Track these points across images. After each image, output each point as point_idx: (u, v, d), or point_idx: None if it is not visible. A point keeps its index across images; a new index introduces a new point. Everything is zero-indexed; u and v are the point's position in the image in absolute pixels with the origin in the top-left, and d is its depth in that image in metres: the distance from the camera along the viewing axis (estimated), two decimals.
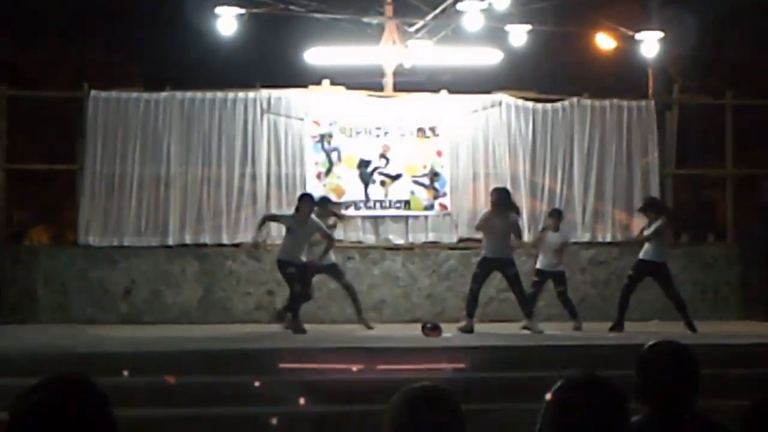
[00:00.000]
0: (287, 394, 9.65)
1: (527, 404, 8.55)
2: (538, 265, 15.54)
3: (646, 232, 14.95)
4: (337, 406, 9.60)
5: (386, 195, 17.45)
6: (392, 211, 17.46)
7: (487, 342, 12.87)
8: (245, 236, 16.85)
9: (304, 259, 14.71)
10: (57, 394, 2.59)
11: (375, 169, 17.48)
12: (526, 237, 17.13)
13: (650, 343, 3.97)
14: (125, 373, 10.00)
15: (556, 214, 15.70)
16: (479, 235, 17.13)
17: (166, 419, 9.26)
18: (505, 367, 10.99)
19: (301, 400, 9.53)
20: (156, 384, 9.81)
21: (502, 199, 14.81)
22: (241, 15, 17.53)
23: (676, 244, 18.27)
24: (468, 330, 14.40)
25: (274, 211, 16.97)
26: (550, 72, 23.91)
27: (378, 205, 17.45)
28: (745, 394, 9.77)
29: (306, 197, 14.91)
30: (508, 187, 17.29)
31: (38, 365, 9.85)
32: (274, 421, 9.10)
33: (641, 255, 14.96)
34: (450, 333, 14.16)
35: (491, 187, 17.40)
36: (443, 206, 17.36)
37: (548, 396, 2.78)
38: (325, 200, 15.64)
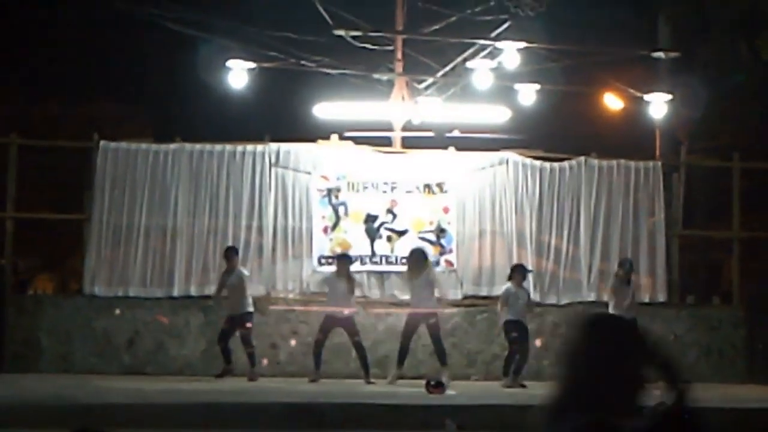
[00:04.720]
0: None
1: None
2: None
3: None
4: None
5: (392, 250, 17.44)
6: (398, 267, 17.43)
7: (491, 400, 12.80)
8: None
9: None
10: None
11: (382, 224, 17.49)
12: (533, 296, 17.16)
13: (661, 404, 3.90)
14: None
15: (521, 270, 16.05)
16: (484, 293, 17.19)
17: None
18: (509, 426, 10.91)
19: None
20: None
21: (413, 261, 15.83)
22: (252, 69, 17.65)
23: (681, 305, 18.22)
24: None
25: (279, 264, 17.08)
26: (558, 131, 23.99)
27: (384, 260, 17.44)
28: None
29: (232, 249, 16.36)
30: (514, 244, 17.35)
31: (41, 416, 9.83)
32: None
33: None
34: (454, 390, 14.09)
35: (497, 245, 17.50)
36: (449, 263, 17.34)
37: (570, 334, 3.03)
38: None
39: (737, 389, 15.76)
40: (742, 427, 10.94)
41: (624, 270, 16.19)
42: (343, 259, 16.13)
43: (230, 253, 16.24)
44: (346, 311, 15.68)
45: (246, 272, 16.22)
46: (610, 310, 15.74)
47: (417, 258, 15.91)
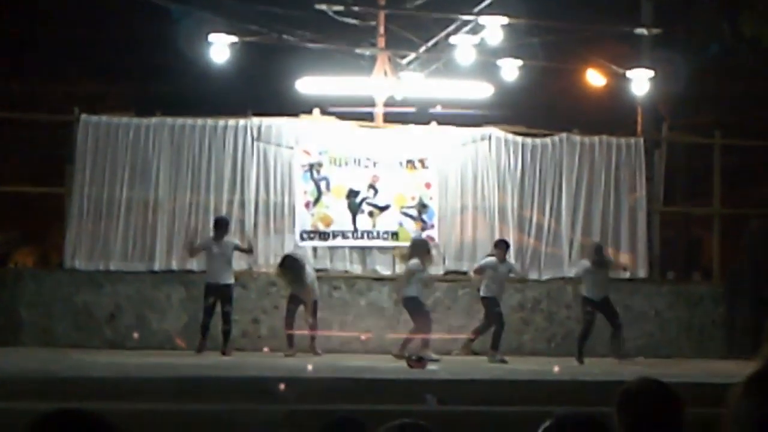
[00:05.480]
0: (271, 423, 9.60)
1: None
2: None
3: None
4: None
5: (374, 226, 17.45)
6: (380, 242, 17.46)
7: (472, 376, 12.84)
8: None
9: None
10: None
11: (363, 199, 17.49)
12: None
13: (630, 380, 3.90)
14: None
15: (503, 245, 16.03)
16: (466, 268, 17.20)
17: None
18: (490, 401, 10.95)
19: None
20: (138, 411, 9.75)
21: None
22: (234, 43, 17.57)
23: (662, 281, 18.30)
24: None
25: (261, 239, 17.10)
26: (540, 107, 23.99)
27: (366, 235, 17.45)
28: None
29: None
30: (496, 220, 17.39)
31: (21, 389, 9.81)
32: None
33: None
34: (435, 366, 14.13)
35: (479, 220, 17.53)
36: (431, 238, 17.34)
37: None
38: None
39: (717, 364, 15.84)
40: (722, 401, 10.98)
41: (598, 255, 16.14)
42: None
43: (222, 222, 16.17)
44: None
45: (236, 242, 16.17)
46: (584, 293, 15.86)
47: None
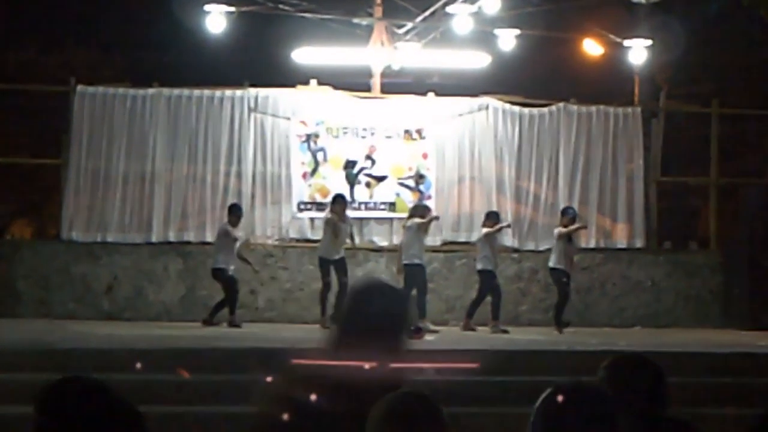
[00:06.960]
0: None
1: (510, 409, 8.53)
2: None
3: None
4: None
5: (371, 196, 17.43)
6: (377, 213, 17.43)
7: (470, 346, 12.85)
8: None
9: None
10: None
11: (361, 170, 17.46)
12: (511, 241, 17.29)
13: (607, 361, 3.85)
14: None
15: (494, 217, 15.98)
16: (463, 239, 17.20)
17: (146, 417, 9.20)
18: (488, 371, 10.95)
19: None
20: (134, 382, 9.75)
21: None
22: (231, 13, 17.48)
23: (659, 251, 18.30)
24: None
25: (258, 210, 17.08)
26: (537, 77, 23.92)
27: (363, 206, 17.42)
28: (726, 403, 9.74)
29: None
30: (493, 191, 17.37)
31: (19, 360, 9.81)
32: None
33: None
34: (432, 336, 14.14)
35: (476, 191, 17.52)
36: (428, 209, 17.28)
37: (537, 404, 2.75)
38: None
39: (714, 334, 15.87)
40: (719, 371, 11.02)
41: (569, 218, 16.10)
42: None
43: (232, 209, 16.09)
44: None
45: (228, 229, 15.81)
46: (556, 263, 15.79)
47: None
